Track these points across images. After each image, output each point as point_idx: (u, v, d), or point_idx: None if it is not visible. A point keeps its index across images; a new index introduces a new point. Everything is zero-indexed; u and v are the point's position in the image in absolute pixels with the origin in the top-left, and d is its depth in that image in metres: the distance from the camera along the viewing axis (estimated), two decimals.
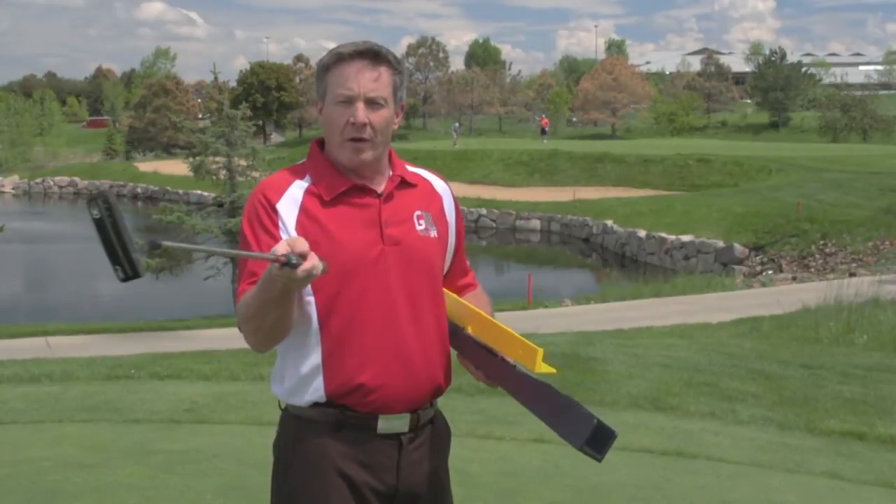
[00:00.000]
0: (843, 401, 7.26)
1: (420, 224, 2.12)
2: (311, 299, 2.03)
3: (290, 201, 2.05)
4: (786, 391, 7.60)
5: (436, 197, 2.21)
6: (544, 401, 2.02)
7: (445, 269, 2.22)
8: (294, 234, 2.01)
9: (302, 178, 2.10)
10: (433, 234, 2.14)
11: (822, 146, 49.74)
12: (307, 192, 2.06)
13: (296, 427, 2.08)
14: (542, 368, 2.01)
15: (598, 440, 1.93)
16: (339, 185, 2.07)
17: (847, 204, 26.22)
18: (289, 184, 2.08)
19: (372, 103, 2.04)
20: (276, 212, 2.03)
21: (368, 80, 2.04)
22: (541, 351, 2.00)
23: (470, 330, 2.16)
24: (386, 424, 2.05)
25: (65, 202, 54.16)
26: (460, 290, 2.28)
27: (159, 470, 4.65)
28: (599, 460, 1.94)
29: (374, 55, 2.06)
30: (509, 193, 38.85)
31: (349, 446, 2.04)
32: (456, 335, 2.18)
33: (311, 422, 2.05)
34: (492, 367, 2.11)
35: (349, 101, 2.04)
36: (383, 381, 2.03)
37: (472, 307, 2.19)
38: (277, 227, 2.02)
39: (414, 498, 2.11)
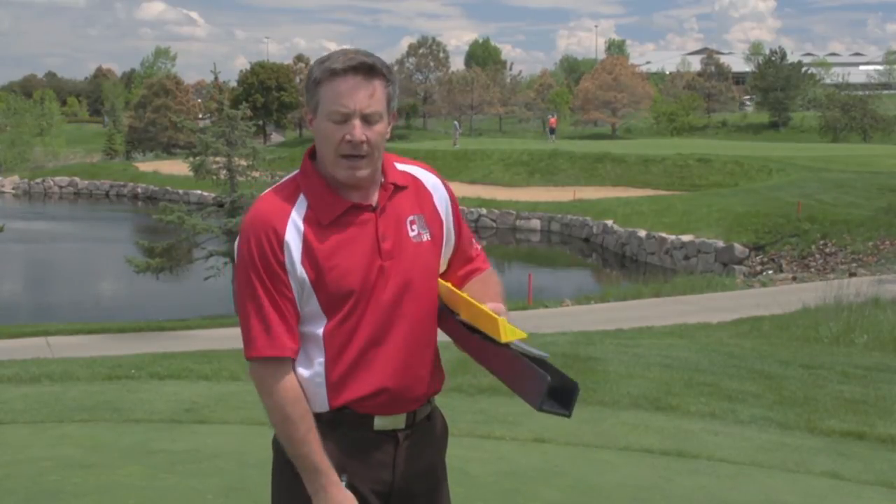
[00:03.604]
0: (843, 401, 7.26)
1: (413, 230, 2.11)
2: (323, 321, 2.04)
3: (295, 232, 2.02)
4: (786, 391, 7.60)
5: (426, 195, 2.18)
6: (517, 371, 1.98)
7: (446, 260, 2.22)
8: (300, 269, 2.00)
9: (297, 201, 2.06)
10: (426, 237, 2.13)
11: (822, 146, 49.74)
12: (306, 219, 2.03)
13: None
14: (510, 336, 1.97)
15: (559, 396, 1.89)
16: (337, 208, 2.04)
17: (847, 204, 26.22)
18: (289, 212, 2.04)
19: (367, 119, 2.01)
20: (283, 248, 2.00)
21: (364, 98, 2.00)
22: (502, 320, 1.97)
23: (462, 314, 2.13)
24: (382, 422, 2.07)
25: (65, 202, 54.14)
26: (464, 278, 2.25)
27: (159, 470, 4.65)
28: (568, 415, 1.90)
29: (367, 69, 2.01)
30: (509, 193, 38.85)
31: (346, 443, 2.06)
32: (442, 318, 2.16)
33: None
34: (471, 344, 2.08)
35: (344, 119, 2.01)
36: (382, 390, 2.05)
37: (455, 291, 2.15)
38: (285, 270, 2.01)
39: (411, 494, 2.12)
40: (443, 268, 2.22)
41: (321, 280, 2.01)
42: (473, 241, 2.30)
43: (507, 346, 1.98)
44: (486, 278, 2.26)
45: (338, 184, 2.06)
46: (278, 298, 2.01)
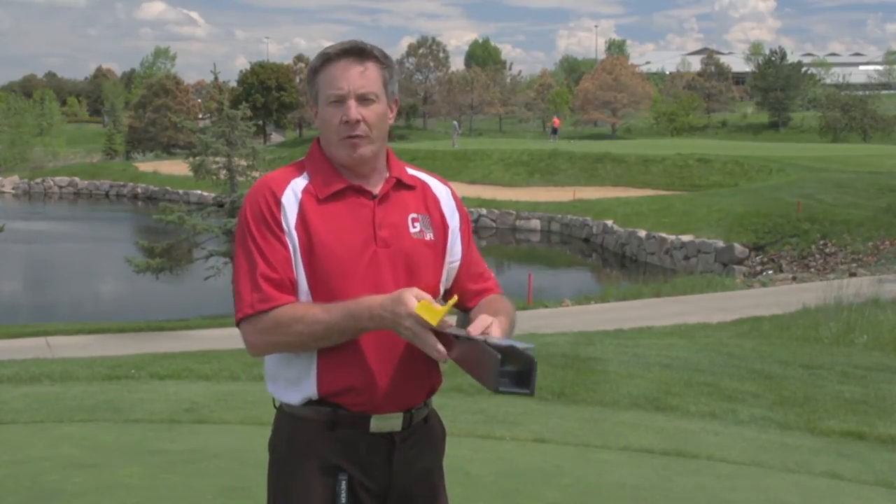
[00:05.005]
0: (843, 401, 7.26)
1: (415, 226, 2.11)
2: (307, 301, 2.04)
3: (292, 197, 2.06)
4: (786, 391, 7.60)
5: (434, 199, 2.19)
6: (475, 358, 1.89)
7: (451, 272, 2.19)
8: (294, 232, 2.03)
9: (301, 175, 2.11)
10: (429, 236, 2.12)
11: (822, 146, 49.75)
12: (305, 190, 2.07)
13: (289, 425, 2.09)
14: (436, 315, 1.87)
15: (515, 377, 1.82)
16: (335, 185, 2.07)
17: (847, 204, 26.21)
18: (289, 180, 2.09)
19: (363, 99, 2.05)
20: (279, 208, 2.04)
21: (356, 77, 2.05)
22: (423, 303, 1.88)
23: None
24: (378, 423, 2.05)
25: (65, 202, 54.12)
26: (474, 296, 2.21)
27: (159, 470, 4.65)
28: (529, 394, 1.83)
29: (358, 52, 2.07)
30: (509, 193, 38.85)
31: (342, 445, 2.04)
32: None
33: (305, 420, 2.06)
34: (448, 346, 1.95)
35: (340, 101, 2.05)
36: (374, 381, 2.03)
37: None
38: (282, 228, 2.03)
39: (407, 497, 2.11)
40: (448, 282, 2.19)
41: (311, 251, 2.01)
42: (484, 265, 2.27)
43: (474, 339, 1.88)
44: (496, 299, 2.22)
45: (341, 167, 2.09)
46: (270, 254, 2.01)
